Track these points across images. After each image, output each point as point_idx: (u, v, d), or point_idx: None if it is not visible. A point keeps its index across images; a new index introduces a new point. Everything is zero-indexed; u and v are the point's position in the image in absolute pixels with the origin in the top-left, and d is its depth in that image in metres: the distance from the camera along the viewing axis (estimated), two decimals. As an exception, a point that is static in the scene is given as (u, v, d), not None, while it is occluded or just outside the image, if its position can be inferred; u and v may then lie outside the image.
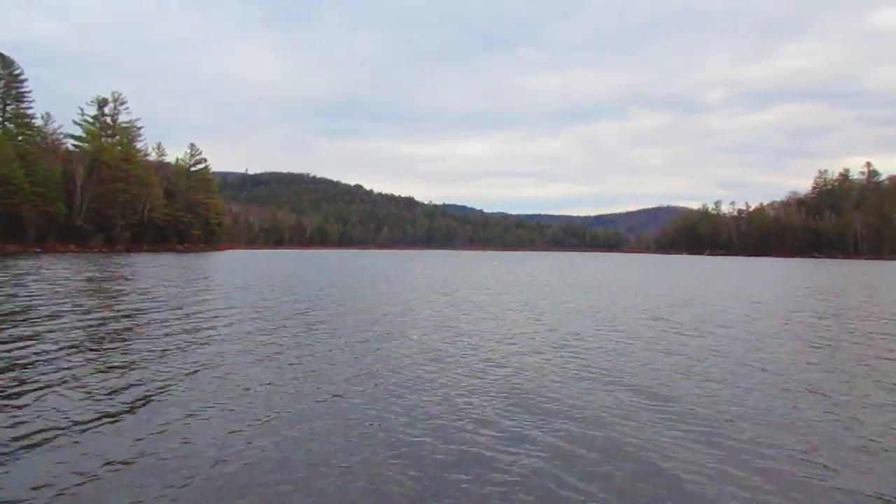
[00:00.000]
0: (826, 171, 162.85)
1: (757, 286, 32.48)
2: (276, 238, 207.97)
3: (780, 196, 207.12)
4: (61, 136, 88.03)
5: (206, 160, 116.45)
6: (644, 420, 6.74)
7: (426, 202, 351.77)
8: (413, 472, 5.18)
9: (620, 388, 8.21)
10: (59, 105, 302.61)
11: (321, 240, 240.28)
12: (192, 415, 6.63)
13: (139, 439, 5.80)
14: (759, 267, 67.47)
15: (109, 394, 7.37)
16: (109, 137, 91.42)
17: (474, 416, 6.84)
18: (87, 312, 15.19)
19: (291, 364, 9.39)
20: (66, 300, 17.77)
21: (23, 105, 79.33)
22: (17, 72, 78.85)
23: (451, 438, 6.03)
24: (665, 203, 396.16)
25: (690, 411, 7.11)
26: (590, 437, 6.13)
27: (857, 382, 8.85)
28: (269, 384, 8.05)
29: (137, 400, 7.14)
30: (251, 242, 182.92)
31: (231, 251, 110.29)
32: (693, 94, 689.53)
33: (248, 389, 7.75)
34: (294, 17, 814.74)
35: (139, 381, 8.05)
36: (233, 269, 43.23)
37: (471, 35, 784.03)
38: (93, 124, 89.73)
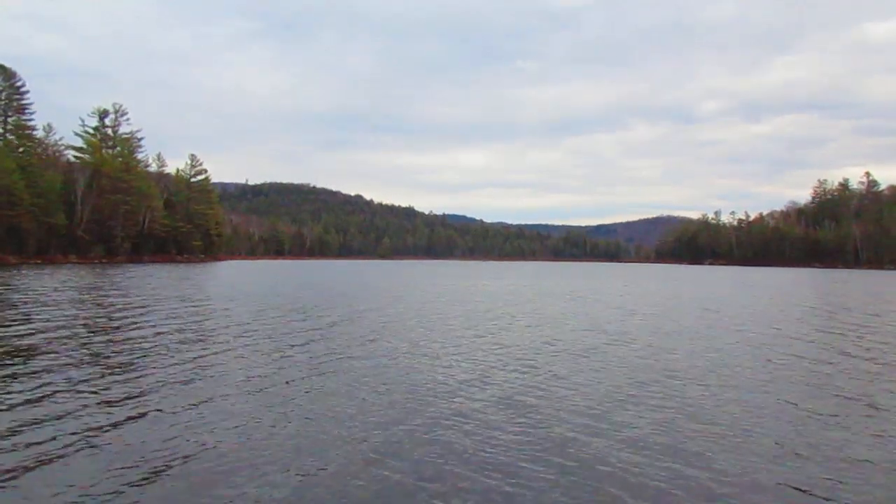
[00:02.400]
0: (825, 180, 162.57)
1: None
2: (276, 248, 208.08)
3: (777, 206, 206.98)
4: (62, 147, 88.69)
5: (206, 171, 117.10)
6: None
7: (426, 212, 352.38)
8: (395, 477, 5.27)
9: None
10: (59, 118, 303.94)
11: (321, 250, 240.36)
12: (167, 421, 6.74)
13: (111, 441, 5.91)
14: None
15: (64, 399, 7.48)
16: (110, 149, 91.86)
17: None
18: (72, 323, 15.28)
19: (273, 374, 9.50)
20: (54, 310, 17.87)
21: (24, 117, 79.73)
22: (18, 83, 79.31)
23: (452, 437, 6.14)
24: (664, 213, 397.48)
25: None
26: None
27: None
28: (245, 387, 8.16)
29: (101, 406, 7.25)
30: (251, 253, 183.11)
31: (231, 262, 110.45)
32: (688, 105, 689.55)
33: (227, 392, 7.85)
34: (292, 30, 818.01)
35: (109, 388, 8.17)
36: (230, 280, 43.32)
37: (468, 48, 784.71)
38: (94, 135, 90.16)
